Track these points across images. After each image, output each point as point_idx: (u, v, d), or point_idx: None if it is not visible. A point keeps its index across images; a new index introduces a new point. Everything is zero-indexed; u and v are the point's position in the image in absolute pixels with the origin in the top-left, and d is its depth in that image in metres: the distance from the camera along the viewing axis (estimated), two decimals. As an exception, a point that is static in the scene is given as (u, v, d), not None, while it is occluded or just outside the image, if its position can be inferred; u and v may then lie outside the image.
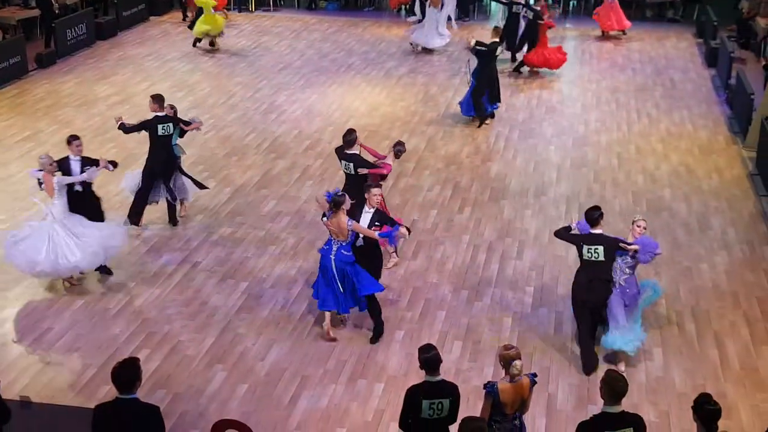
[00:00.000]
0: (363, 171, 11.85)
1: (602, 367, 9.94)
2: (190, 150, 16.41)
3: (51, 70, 20.93)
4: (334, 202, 10.17)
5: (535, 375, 7.87)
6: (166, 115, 13.05)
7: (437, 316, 11.22)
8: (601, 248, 9.94)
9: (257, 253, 12.76)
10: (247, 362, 10.33)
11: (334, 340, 10.64)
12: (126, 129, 12.98)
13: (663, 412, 9.53)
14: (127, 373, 6.89)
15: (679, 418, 9.35)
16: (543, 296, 11.73)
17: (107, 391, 9.46)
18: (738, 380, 10.02)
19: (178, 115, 13.66)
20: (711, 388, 9.51)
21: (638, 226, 10.18)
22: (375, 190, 10.83)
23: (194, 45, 22.88)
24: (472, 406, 9.18)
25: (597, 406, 9.11)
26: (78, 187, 11.77)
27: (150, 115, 13.16)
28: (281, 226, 13.54)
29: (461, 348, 10.57)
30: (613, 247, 9.95)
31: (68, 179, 11.54)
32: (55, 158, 11.52)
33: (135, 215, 13.26)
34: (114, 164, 12.13)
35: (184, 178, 13.44)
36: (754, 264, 12.52)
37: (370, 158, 12.29)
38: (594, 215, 10.09)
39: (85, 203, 11.88)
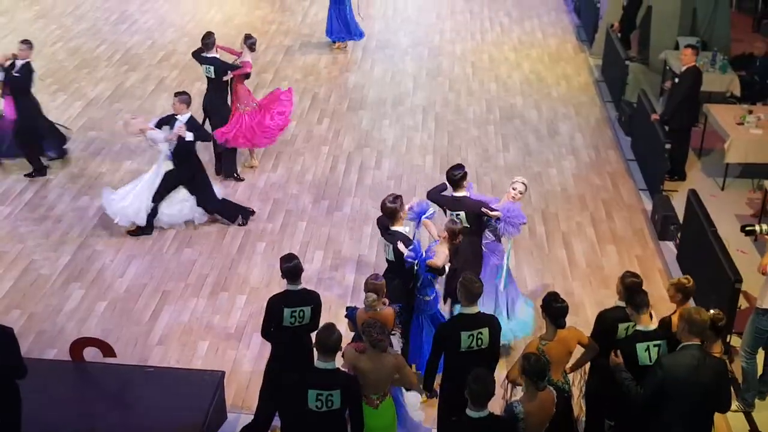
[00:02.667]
0: (227, 77, 11.86)
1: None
2: (37, 62, 15.66)
3: None
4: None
5: (401, 306, 7.97)
6: None
7: (298, 227, 11.32)
8: (462, 214, 8.71)
9: (112, 168, 12.46)
10: (105, 279, 10.20)
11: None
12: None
13: (514, 310, 9.99)
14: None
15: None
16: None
17: (-41, 315, 9.20)
18: (584, 278, 10.58)
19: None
20: (559, 287, 10.00)
21: (513, 189, 8.87)
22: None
23: None
24: (333, 314, 9.39)
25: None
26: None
27: None
28: (137, 139, 13.20)
29: (322, 257, 10.73)
30: (476, 212, 8.72)
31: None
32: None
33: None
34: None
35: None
36: (599, 168, 13.12)
37: (230, 58, 12.26)
38: (455, 175, 8.75)
39: None
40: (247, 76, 12.17)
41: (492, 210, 8.65)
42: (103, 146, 13.06)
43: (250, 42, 12.20)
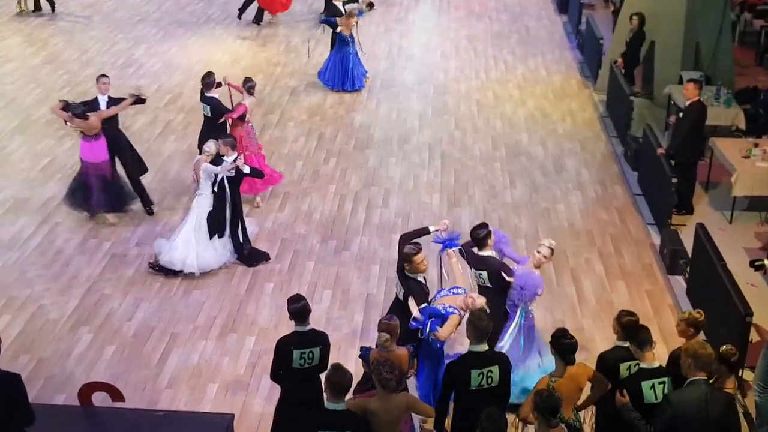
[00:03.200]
0: (221, 120, 12.18)
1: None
2: (45, 107, 15.87)
3: None
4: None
5: (415, 347, 7.94)
6: None
7: (306, 267, 11.31)
8: (485, 273, 8.66)
9: (119, 213, 12.48)
10: (113, 323, 10.18)
11: None
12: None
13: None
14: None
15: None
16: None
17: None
18: (594, 314, 10.53)
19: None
20: (570, 324, 9.92)
21: (538, 252, 8.55)
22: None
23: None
24: (343, 354, 9.37)
25: (464, 346, 9.47)
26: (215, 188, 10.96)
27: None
28: (145, 183, 13.24)
29: (331, 297, 10.71)
30: (497, 274, 8.62)
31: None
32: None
33: None
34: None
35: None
36: (606, 202, 13.12)
37: (237, 96, 12.64)
38: (479, 234, 8.69)
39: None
40: (242, 118, 12.31)
41: (509, 275, 8.54)
42: (111, 189, 13.09)
43: (249, 85, 12.47)
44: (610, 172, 14.06)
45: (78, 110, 11.51)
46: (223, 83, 12.73)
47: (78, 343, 9.81)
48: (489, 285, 8.61)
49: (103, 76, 12.17)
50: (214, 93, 12.41)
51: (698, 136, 12.42)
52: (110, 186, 11.93)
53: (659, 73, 15.89)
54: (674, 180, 11.71)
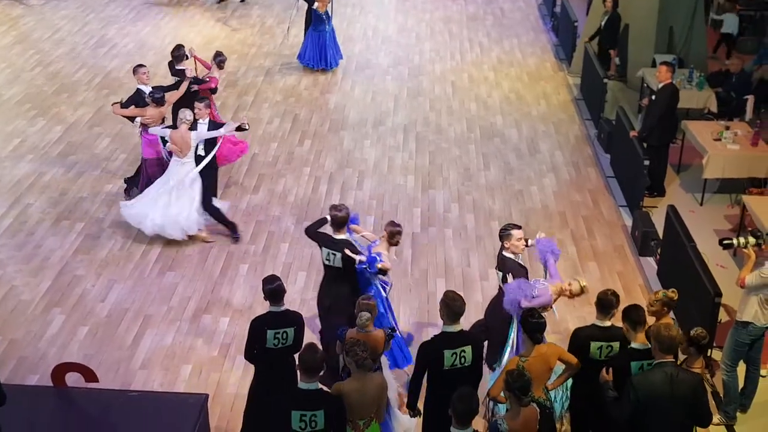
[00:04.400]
0: (194, 87, 12.29)
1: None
2: (15, 87, 15.73)
3: None
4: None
5: (392, 329, 7.97)
6: None
7: (281, 248, 11.32)
8: (500, 274, 8.41)
9: (93, 192, 12.43)
10: (86, 304, 10.14)
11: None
12: None
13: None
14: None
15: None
16: (384, 224, 11.94)
17: (-61, 342, 9.12)
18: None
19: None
20: (541, 304, 10.03)
21: (569, 285, 8.13)
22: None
23: None
24: (317, 335, 9.38)
25: (437, 326, 9.52)
26: (201, 151, 11.08)
27: None
28: (117, 165, 13.21)
29: (305, 278, 10.72)
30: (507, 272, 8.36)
31: (209, 134, 11.02)
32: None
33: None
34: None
35: None
36: (579, 185, 13.20)
37: (201, 69, 13.11)
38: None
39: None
40: (213, 91, 12.60)
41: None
42: (83, 170, 13.02)
43: (219, 59, 12.86)
44: (583, 155, 14.14)
45: (159, 95, 11.39)
46: (189, 55, 12.89)
47: (51, 324, 9.78)
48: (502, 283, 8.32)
49: (141, 66, 12.16)
50: (184, 66, 12.63)
51: (670, 119, 12.51)
52: None
53: (632, 55, 15.97)
54: (646, 162, 11.79)
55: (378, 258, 8.42)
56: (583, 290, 8.04)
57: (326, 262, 8.63)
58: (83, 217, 11.83)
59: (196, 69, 13.01)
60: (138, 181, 11.73)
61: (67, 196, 12.31)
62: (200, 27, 19.16)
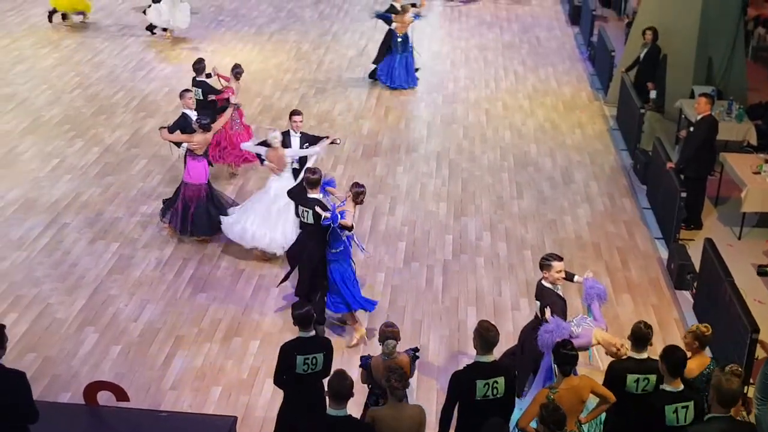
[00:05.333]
0: (211, 97, 13.32)
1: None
2: (55, 108, 15.95)
3: None
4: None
5: (416, 350, 7.91)
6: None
7: (312, 273, 11.31)
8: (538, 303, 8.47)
9: (128, 213, 12.53)
10: (119, 323, 10.20)
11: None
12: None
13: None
14: (-11, 340, 6.67)
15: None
16: (415, 251, 11.98)
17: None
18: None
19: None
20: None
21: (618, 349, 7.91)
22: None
23: (50, 20, 20.63)
24: (346, 360, 9.38)
25: (467, 356, 9.47)
26: (296, 165, 11.39)
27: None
28: (152, 186, 13.32)
29: (336, 303, 10.71)
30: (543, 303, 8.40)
31: (304, 152, 11.27)
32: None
33: None
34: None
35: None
36: (614, 216, 13.09)
37: (220, 86, 13.74)
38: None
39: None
40: (227, 100, 13.23)
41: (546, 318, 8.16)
42: (119, 191, 13.15)
43: (236, 71, 13.64)
44: (618, 185, 14.04)
45: (205, 121, 11.51)
46: (212, 74, 13.74)
47: (84, 342, 9.84)
48: (542, 317, 8.25)
49: (187, 90, 12.50)
50: (203, 78, 13.43)
51: (709, 150, 12.40)
52: (208, 209, 11.67)
53: (671, 86, 15.87)
54: (683, 194, 11.68)
55: (340, 215, 9.42)
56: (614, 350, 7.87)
57: (301, 219, 9.87)
58: (118, 237, 11.93)
59: (220, 84, 13.75)
60: (175, 203, 11.79)
61: (103, 216, 12.43)
62: (236, 52, 19.33)
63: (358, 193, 9.62)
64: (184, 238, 11.81)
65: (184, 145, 11.63)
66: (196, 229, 11.70)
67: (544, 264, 8.40)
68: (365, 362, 7.68)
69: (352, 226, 9.55)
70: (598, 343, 8.02)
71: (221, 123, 12.11)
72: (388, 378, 6.70)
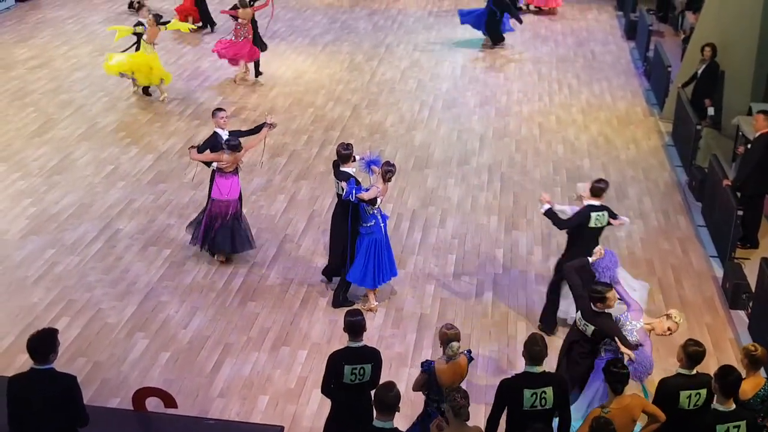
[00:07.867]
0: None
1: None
2: (111, 116, 16.19)
3: (-36, 31, 20.29)
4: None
5: (470, 352, 7.89)
6: None
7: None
8: (591, 328, 8.19)
9: (180, 221, 12.64)
10: (169, 330, 10.28)
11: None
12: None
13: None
14: (42, 344, 6.75)
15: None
16: (465, 264, 11.91)
17: (25, 361, 9.29)
18: (653, 345, 10.29)
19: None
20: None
21: (667, 320, 8.45)
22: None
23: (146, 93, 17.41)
24: (393, 372, 9.34)
25: (516, 371, 9.34)
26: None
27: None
28: (204, 194, 13.37)
29: (384, 315, 10.68)
30: (609, 335, 8.30)
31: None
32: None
33: None
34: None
35: None
36: (668, 233, 12.89)
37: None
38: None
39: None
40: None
41: (628, 347, 8.20)
42: (172, 198, 13.28)
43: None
44: (673, 202, 13.82)
45: (234, 142, 11.12)
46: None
47: (134, 348, 9.93)
48: (590, 336, 8.21)
49: (220, 110, 11.76)
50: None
51: (766, 168, 12.14)
52: (233, 226, 11.39)
53: (728, 103, 15.60)
54: (740, 212, 11.46)
55: (357, 189, 10.13)
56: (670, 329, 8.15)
57: (337, 191, 10.54)
58: (170, 244, 12.04)
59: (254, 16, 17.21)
60: (201, 220, 11.52)
61: (155, 223, 12.56)
62: (290, 62, 19.46)
63: (386, 171, 10.30)
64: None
65: (214, 164, 11.27)
66: (216, 246, 11.46)
67: (598, 297, 8.09)
68: (428, 367, 7.64)
69: (375, 200, 10.17)
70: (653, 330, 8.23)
71: (254, 143, 11.58)
72: (453, 397, 6.60)
